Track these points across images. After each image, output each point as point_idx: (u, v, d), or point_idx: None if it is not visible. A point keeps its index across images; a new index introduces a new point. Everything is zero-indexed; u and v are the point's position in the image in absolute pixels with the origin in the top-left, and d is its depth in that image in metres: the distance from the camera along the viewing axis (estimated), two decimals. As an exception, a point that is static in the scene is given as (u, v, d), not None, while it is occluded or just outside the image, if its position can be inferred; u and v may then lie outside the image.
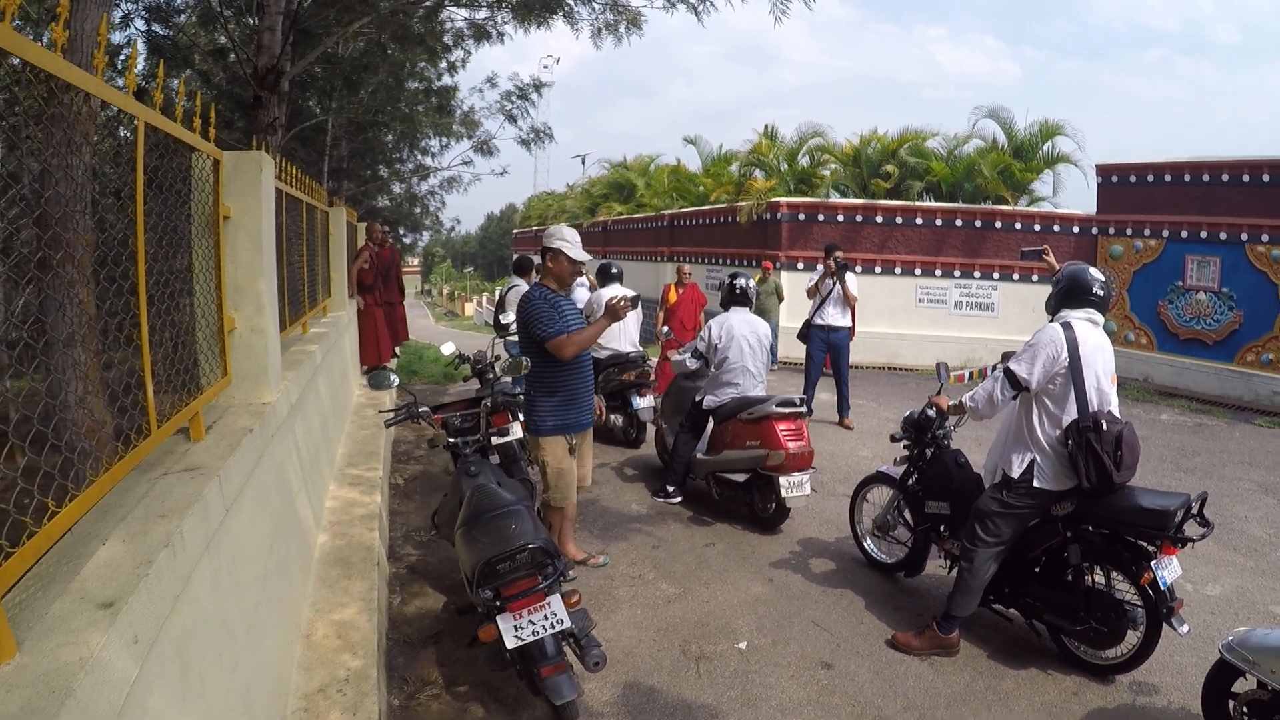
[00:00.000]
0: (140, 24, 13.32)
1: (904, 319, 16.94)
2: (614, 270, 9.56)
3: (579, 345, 5.29)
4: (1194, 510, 4.47)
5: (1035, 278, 16.15)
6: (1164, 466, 9.58)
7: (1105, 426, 4.38)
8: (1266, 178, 14.13)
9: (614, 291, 8.09)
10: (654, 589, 5.68)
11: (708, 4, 10.80)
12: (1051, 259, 6.05)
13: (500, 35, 13.76)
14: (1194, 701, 4.19)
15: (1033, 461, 4.57)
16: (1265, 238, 14.01)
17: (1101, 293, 4.69)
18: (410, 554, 6.10)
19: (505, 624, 3.71)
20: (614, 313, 5.24)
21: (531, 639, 3.72)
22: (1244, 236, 14.24)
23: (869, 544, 6.24)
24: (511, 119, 17.71)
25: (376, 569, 4.90)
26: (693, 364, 7.31)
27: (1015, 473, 4.60)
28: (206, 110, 3.90)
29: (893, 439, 5.81)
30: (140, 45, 13.08)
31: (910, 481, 5.69)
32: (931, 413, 5.46)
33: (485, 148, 19.28)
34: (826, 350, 10.54)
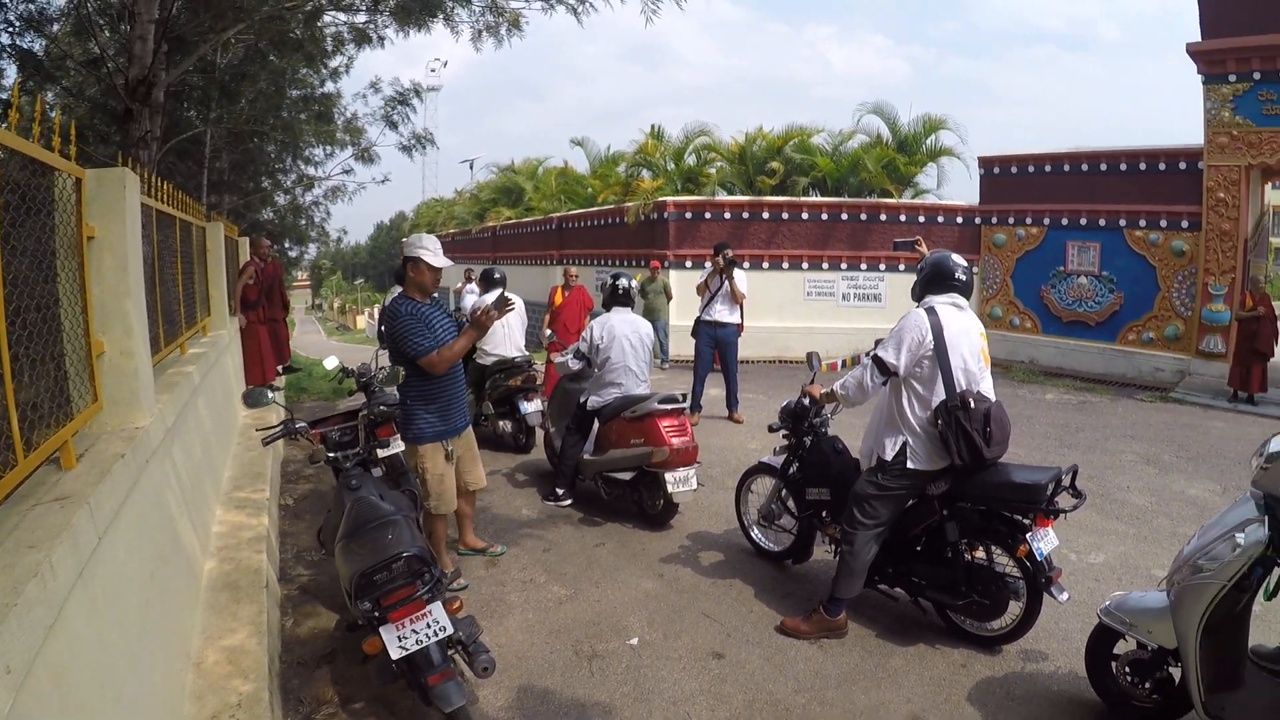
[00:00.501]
0: (4, 38, 12.83)
1: (793, 312, 17.30)
2: (497, 276, 9.60)
3: (450, 360, 5.36)
4: (1065, 483, 4.69)
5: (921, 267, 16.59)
6: (1049, 443, 10.05)
7: (973, 405, 4.58)
8: (1143, 166, 15.03)
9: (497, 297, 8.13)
10: (545, 592, 5.74)
11: (587, 4, 10.91)
12: (924, 249, 6.27)
13: (381, 39, 13.66)
14: (1081, 665, 4.41)
15: (905, 444, 4.74)
16: (1143, 222, 14.90)
17: (964, 278, 4.89)
18: (302, 574, 6.04)
19: (388, 635, 3.72)
20: (479, 324, 5.33)
21: (416, 648, 3.74)
22: (1123, 222, 15.10)
23: (756, 534, 6.41)
24: (392, 125, 17.53)
25: (266, 592, 4.84)
26: (575, 365, 7.38)
27: (889, 455, 4.78)
28: (67, 128, 3.81)
29: (771, 429, 6.00)
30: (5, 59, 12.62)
31: (791, 470, 5.87)
32: (806, 402, 5.62)
33: (366, 155, 19.02)
34: (714, 346, 10.72)
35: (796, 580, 5.97)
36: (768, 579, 5.96)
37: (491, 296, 8.25)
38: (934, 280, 4.91)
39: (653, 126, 22.82)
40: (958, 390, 4.64)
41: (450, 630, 3.82)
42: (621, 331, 7.24)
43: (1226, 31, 13.72)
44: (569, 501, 7.54)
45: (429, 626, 3.77)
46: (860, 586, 5.03)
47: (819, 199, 18.28)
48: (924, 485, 4.87)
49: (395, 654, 3.71)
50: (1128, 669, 4.19)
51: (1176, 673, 3.90)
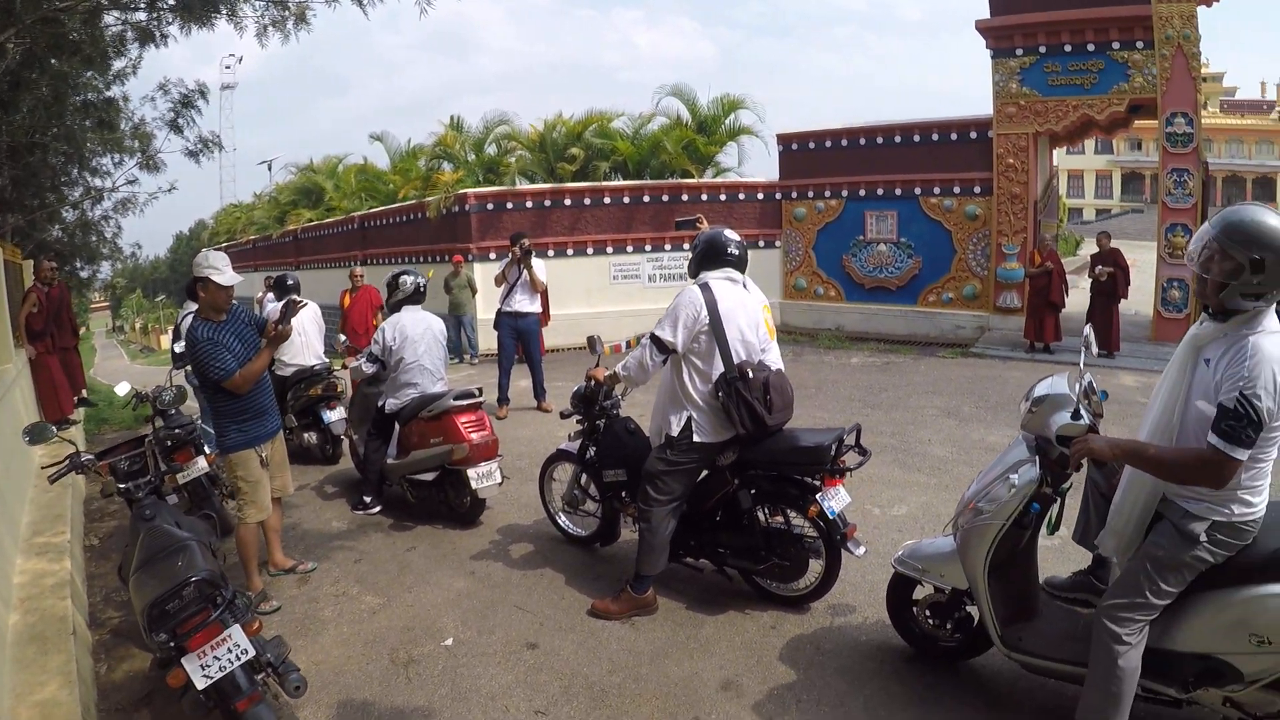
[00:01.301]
0: None
1: (600, 297, 17.45)
2: (290, 282, 9.49)
3: (252, 378, 5.31)
4: (850, 442, 5.00)
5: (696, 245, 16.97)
6: (854, 405, 10.53)
7: (752, 375, 4.81)
8: (935, 136, 16.07)
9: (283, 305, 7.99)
10: (358, 603, 5.70)
11: (371, -6, 10.71)
12: (704, 226, 6.42)
13: (165, 37, 12.98)
14: (886, 614, 4.69)
15: (690, 418, 4.93)
16: (937, 190, 15.91)
17: (737, 251, 5.10)
18: (113, 617, 5.81)
19: (191, 665, 3.61)
20: (274, 340, 5.32)
21: (221, 674, 3.63)
22: (918, 190, 16.06)
23: (563, 520, 6.54)
24: (177, 129, 16.58)
25: (74, 639, 4.68)
26: (369, 368, 7.34)
27: (675, 431, 4.96)
28: None
29: (563, 415, 6.14)
30: None
31: (588, 454, 6.02)
32: (593, 385, 5.75)
33: (152, 163, 18.02)
34: (516, 337, 10.77)
35: (606, 562, 6.12)
36: (578, 564, 6.09)
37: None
38: (708, 257, 5.11)
39: (452, 117, 22.59)
40: (735, 362, 4.85)
41: (252, 652, 3.74)
42: (413, 331, 7.22)
43: (1013, 9, 14.94)
44: (378, 509, 7.46)
45: (230, 651, 3.67)
46: (664, 562, 5.20)
47: (620, 183, 18.51)
48: (713, 456, 5.08)
49: (200, 684, 3.60)
50: (928, 612, 4.50)
51: (975, 611, 4.18)
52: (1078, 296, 16.00)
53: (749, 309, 5.04)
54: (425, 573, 6.11)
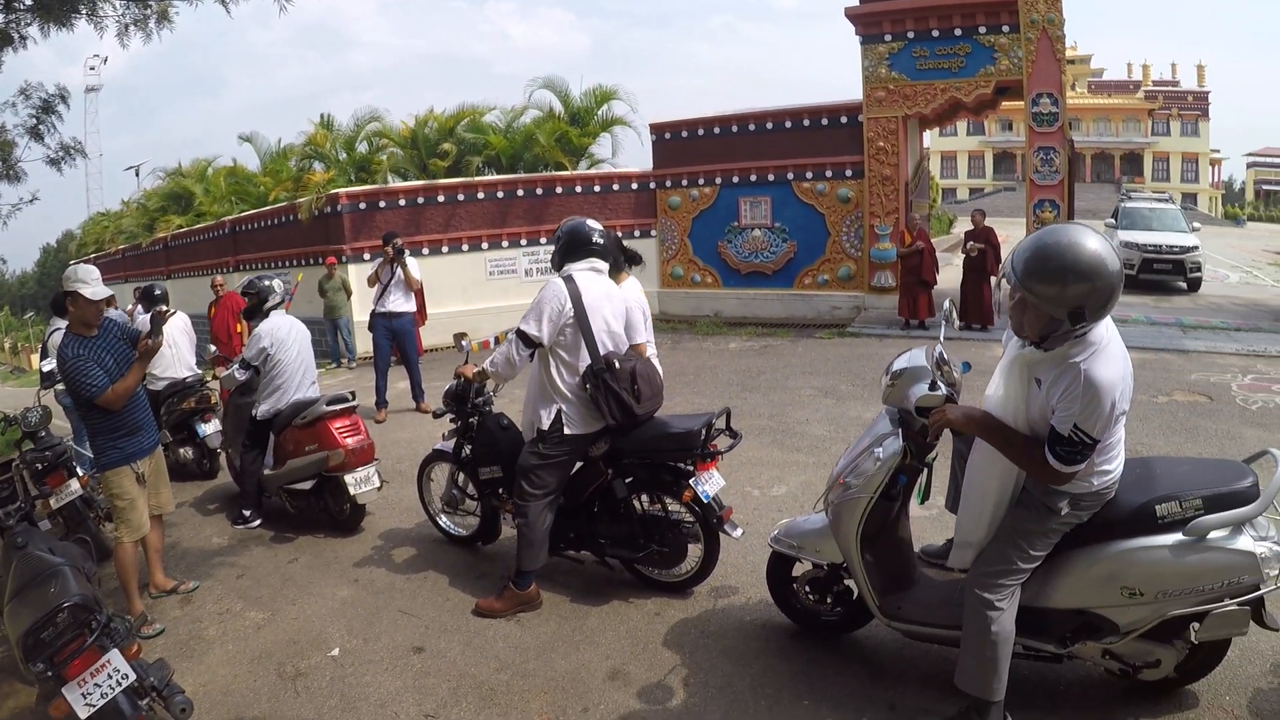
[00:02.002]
0: None
1: (476, 294, 17.20)
2: (157, 292, 9.13)
3: (125, 394, 5.11)
4: (720, 425, 5.03)
5: (618, 234, 16.86)
6: (732, 389, 10.62)
7: (618, 366, 4.79)
8: (807, 122, 16.34)
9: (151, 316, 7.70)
10: (242, 619, 5.51)
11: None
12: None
13: (24, 39, 12.30)
14: (769, 593, 4.73)
15: (559, 411, 4.90)
16: (810, 174, 16.20)
17: (601, 241, 5.07)
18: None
19: (72, 694, 3.48)
20: (145, 354, 5.15)
21: (103, 701, 3.52)
22: (791, 175, 16.32)
23: (443, 521, 6.42)
24: (38, 136, 15.77)
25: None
26: (242, 375, 7.05)
27: (545, 425, 4.92)
28: None
29: (435, 415, 6.02)
30: None
31: (463, 453, 5.90)
32: (461, 383, 5.66)
33: (12, 173, 17.05)
34: (392, 338, 10.52)
35: (490, 561, 6.05)
36: (461, 565, 6.01)
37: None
38: (570, 248, 5.06)
39: (323, 116, 22.16)
40: (601, 354, 4.84)
41: (133, 677, 3.63)
42: (282, 335, 7.01)
43: (882, -4, 15.22)
44: (258, 522, 7.21)
45: (110, 677, 3.55)
46: (544, 556, 5.15)
47: (494, 177, 18.32)
48: (585, 448, 5.06)
49: (83, 713, 3.47)
50: (808, 588, 4.55)
51: (854, 584, 4.21)
52: (951, 273, 16.46)
53: (615, 300, 5.05)
54: (308, 584, 5.95)
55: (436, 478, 6.46)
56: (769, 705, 4.11)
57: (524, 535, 5.06)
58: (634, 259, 6.07)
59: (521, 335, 4.86)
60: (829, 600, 4.51)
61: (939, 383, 3.67)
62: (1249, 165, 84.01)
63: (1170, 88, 73.43)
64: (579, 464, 5.18)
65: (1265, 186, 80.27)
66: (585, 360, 4.85)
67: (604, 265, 5.08)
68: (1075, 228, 3.27)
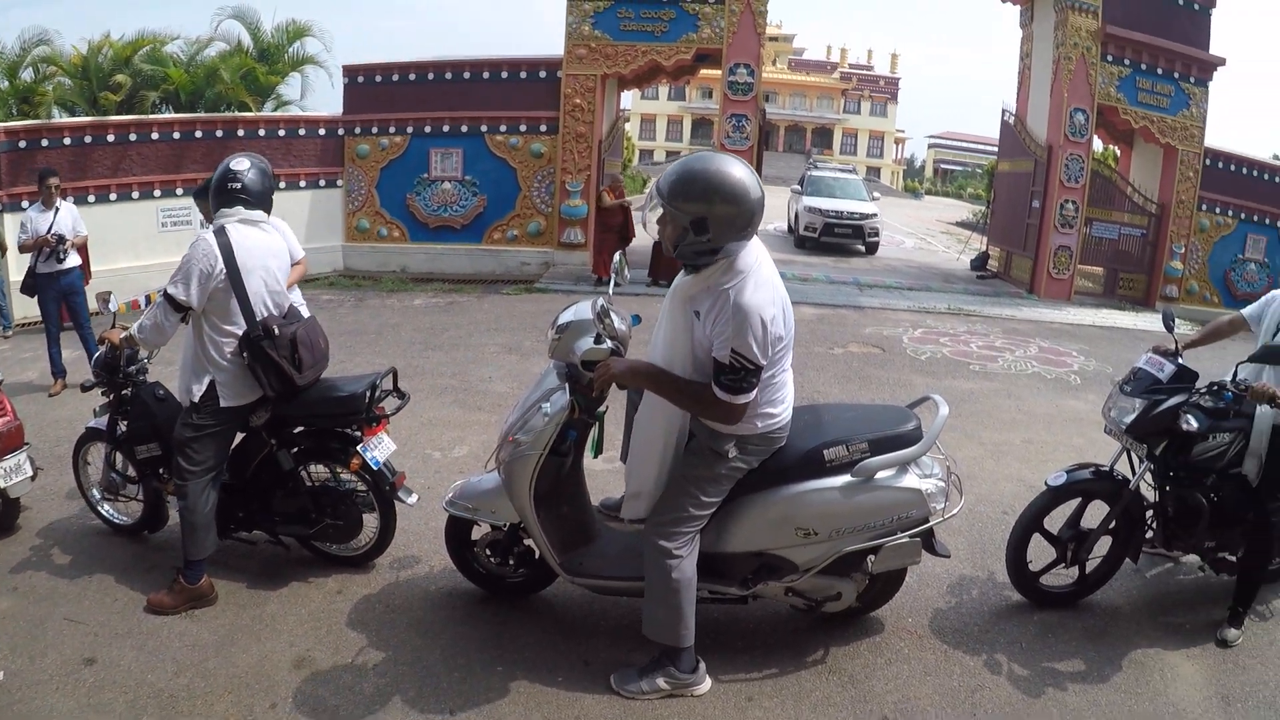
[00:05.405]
0: None
1: (149, 248, 15.52)
2: None
3: None
4: (387, 386, 4.92)
5: (302, 183, 16.36)
6: (415, 347, 10.46)
7: (278, 332, 4.46)
8: (504, 74, 16.28)
9: None
10: None
11: None
12: None
13: None
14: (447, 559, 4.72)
15: (212, 382, 4.51)
16: (503, 128, 16.15)
17: (254, 183, 4.62)
18: None
19: None
20: None
21: None
22: (484, 128, 16.18)
23: (106, 510, 5.73)
24: None
25: None
26: None
27: (198, 397, 4.52)
28: None
29: (84, 388, 5.33)
30: None
31: (119, 430, 5.33)
32: (112, 349, 5.07)
33: None
34: (61, 298, 9.46)
35: (159, 550, 5.48)
36: (129, 559, 5.41)
37: None
38: (220, 194, 4.61)
39: (-18, 37, 19.50)
40: (259, 318, 4.49)
41: None
42: None
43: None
44: None
45: None
46: (213, 542, 4.75)
47: (170, 116, 16.88)
48: (244, 418, 4.71)
49: None
50: (489, 551, 4.55)
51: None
52: (643, 231, 16.92)
53: (277, 253, 4.69)
54: (-43, 602, 5.19)
55: (94, 459, 5.77)
56: (462, 676, 4.10)
57: (186, 520, 4.60)
58: None
59: (169, 299, 4.39)
60: (512, 562, 4.53)
61: (604, 336, 3.76)
62: (930, 146, 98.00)
63: (865, 71, 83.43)
64: (241, 435, 4.83)
65: (944, 165, 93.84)
66: (241, 325, 4.46)
67: (259, 214, 4.64)
68: (721, 155, 3.51)
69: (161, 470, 5.13)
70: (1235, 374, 4.75)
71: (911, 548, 4.09)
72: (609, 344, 3.74)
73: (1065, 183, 16.96)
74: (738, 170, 3.37)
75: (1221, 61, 17.79)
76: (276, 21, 19.11)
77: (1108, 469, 4.93)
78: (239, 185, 4.55)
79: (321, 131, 16.79)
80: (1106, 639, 4.76)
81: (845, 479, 3.90)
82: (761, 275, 3.48)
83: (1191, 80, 17.55)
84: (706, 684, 4.01)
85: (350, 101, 16.96)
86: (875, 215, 22.51)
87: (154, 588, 4.94)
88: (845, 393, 8.84)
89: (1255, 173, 18.55)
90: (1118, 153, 21.48)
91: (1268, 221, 18.04)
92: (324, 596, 4.80)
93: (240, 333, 4.46)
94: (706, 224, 3.32)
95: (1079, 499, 4.96)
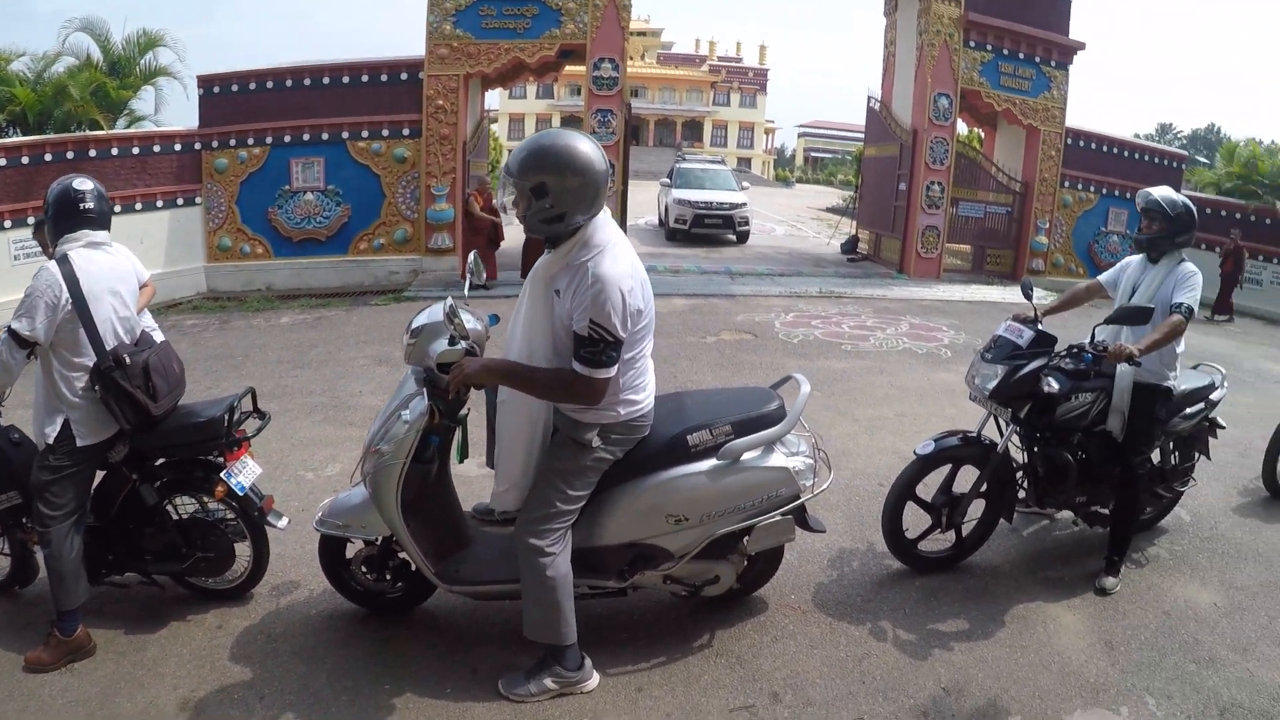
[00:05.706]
0: None
1: (2, 284, 14.44)
2: None
3: None
4: (247, 408, 4.78)
5: (160, 203, 15.63)
6: (283, 367, 10.16)
7: (129, 360, 4.28)
8: (365, 78, 16.02)
9: None
10: None
11: None
12: None
13: None
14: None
15: (66, 421, 4.29)
16: (365, 133, 15.94)
17: (94, 205, 4.40)
18: None
19: None
20: None
21: None
22: (345, 135, 15.93)
23: None
24: None
25: None
26: None
27: (53, 438, 4.29)
28: None
29: None
30: None
31: None
32: None
33: None
34: None
35: (34, 606, 5.10)
36: (1, 618, 5.02)
37: None
38: (60, 219, 4.35)
39: None
40: (109, 347, 4.27)
41: None
42: None
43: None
44: None
45: None
46: (84, 590, 4.48)
47: (18, 139, 15.69)
48: (103, 455, 4.48)
49: None
50: (364, 568, 4.46)
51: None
52: (514, 232, 16.72)
53: (125, 278, 4.46)
54: None
55: None
56: (350, 698, 4.02)
57: (54, 568, 4.34)
58: None
59: (13, 335, 4.13)
60: (389, 576, 4.47)
61: (457, 337, 3.74)
62: (800, 135, 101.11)
63: (734, 63, 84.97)
64: (101, 474, 4.60)
65: (814, 154, 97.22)
66: (91, 357, 4.24)
67: (103, 235, 4.42)
68: (566, 130, 3.65)
69: (25, 519, 4.79)
70: (1093, 336, 4.96)
71: (784, 525, 4.18)
72: (463, 345, 3.72)
73: (930, 165, 17.57)
74: (582, 144, 3.46)
75: (1081, 45, 18.66)
76: (126, 33, 18.22)
77: (975, 434, 5.14)
78: (89, 205, 4.34)
79: (178, 147, 16.09)
80: (988, 597, 4.96)
81: (711, 463, 3.96)
82: (618, 252, 3.52)
83: (1052, 64, 18.38)
84: (594, 679, 4.01)
85: (206, 113, 16.37)
86: (745, 205, 22.95)
87: (30, 645, 4.59)
88: (718, 379, 8.91)
89: (1116, 150, 19.57)
90: (982, 135, 22.36)
91: (1128, 196, 18.77)
92: (204, 634, 4.61)
93: (91, 364, 4.24)
94: (546, 188, 3.38)
95: (949, 465, 5.15)
